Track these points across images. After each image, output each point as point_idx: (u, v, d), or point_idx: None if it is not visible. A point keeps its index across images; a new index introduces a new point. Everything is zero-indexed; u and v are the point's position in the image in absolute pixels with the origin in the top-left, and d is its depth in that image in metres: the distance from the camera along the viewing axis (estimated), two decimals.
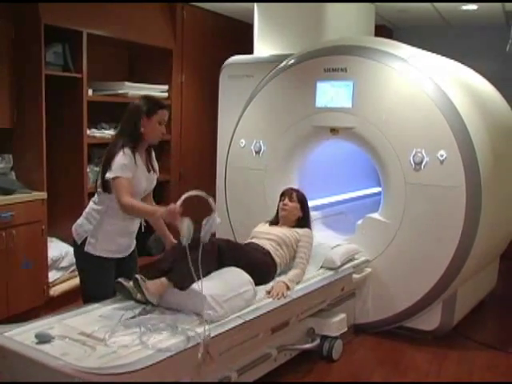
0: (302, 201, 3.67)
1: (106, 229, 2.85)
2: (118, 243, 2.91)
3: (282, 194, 3.70)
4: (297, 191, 3.71)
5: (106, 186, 2.78)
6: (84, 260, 2.89)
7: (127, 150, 2.76)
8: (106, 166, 2.75)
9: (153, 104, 2.85)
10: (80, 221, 2.92)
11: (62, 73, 4.14)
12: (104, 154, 2.84)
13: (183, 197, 2.59)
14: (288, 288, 3.13)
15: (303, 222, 3.62)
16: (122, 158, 2.73)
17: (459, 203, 3.50)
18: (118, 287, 2.80)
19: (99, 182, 2.84)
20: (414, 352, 3.68)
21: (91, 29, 4.24)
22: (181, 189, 4.41)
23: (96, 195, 2.91)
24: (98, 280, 2.90)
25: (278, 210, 3.67)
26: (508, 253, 4.71)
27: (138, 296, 2.74)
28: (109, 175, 2.72)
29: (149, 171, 2.93)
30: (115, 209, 2.78)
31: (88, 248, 2.84)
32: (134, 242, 3.03)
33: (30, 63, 3.90)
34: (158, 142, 2.93)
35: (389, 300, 3.80)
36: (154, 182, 3.01)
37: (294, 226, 3.57)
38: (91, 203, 2.92)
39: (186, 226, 2.57)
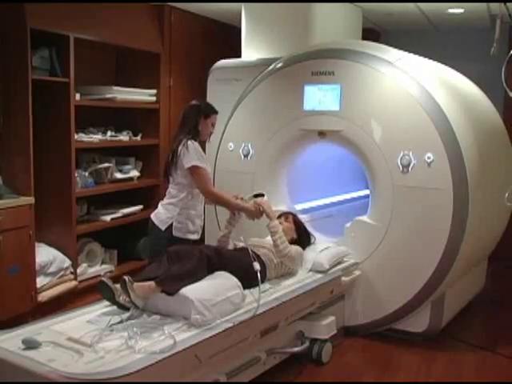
0: (298, 224, 3.74)
1: (190, 213, 3.29)
2: (197, 224, 3.35)
3: (279, 216, 3.73)
4: (293, 215, 3.78)
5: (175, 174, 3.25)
6: (165, 242, 3.18)
7: (195, 142, 3.25)
8: (174, 159, 3.23)
9: (209, 108, 3.40)
10: (160, 210, 3.33)
11: (49, 77, 4.12)
12: (170, 151, 3.30)
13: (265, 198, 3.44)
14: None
15: (298, 244, 3.62)
16: (193, 147, 3.21)
17: (446, 205, 3.52)
18: (102, 286, 2.75)
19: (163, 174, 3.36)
20: (403, 354, 3.69)
21: (78, 33, 4.22)
22: None
23: (171, 188, 3.32)
24: None
25: None
26: (496, 254, 4.74)
27: (121, 298, 2.70)
28: (187, 164, 3.18)
29: None
30: (196, 194, 3.29)
31: (176, 233, 3.25)
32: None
33: (17, 68, 3.88)
34: (206, 139, 3.45)
35: (378, 302, 3.81)
36: None
37: None
38: (167, 196, 3.34)
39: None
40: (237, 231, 3.51)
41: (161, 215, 3.31)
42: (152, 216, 3.37)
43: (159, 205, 3.38)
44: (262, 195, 3.51)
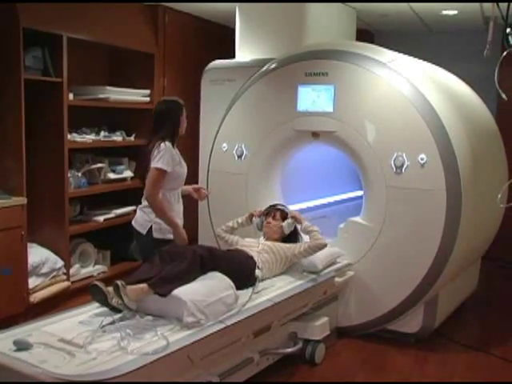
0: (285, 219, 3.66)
1: None
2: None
3: (267, 213, 3.70)
4: (281, 210, 3.71)
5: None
6: (151, 246, 3.16)
7: (168, 143, 3.16)
8: (149, 159, 3.15)
9: (182, 104, 3.31)
10: (137, 215, 3.31)
11: (41, 77, 4.10)
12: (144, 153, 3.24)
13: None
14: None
15: (289, 241, 3.60)
16: (165, 149, 3.13)
17: (440, 206, 3.53)
18: (94, 290, 2.72)
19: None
20: (396, 354, 3.69)
21: (71, 32, 4.21)
22: None
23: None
24: None
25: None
26: (489, 254, 4.75)
27: (114, 301, 2.68)
28: (152, 165, 3.11)
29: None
30: (172, 195, 3.24)
31: (156, 234, 3.20)
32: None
33: (9, 67, 3.86)
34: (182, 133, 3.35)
35: (371, 303, 3.81)
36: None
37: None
38: (144, 199, 3.24)
39: None
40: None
41: (139, 219, 3.28)
42: (133, 222, 3.33)
43: (137, 209, 3.33)
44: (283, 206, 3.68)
